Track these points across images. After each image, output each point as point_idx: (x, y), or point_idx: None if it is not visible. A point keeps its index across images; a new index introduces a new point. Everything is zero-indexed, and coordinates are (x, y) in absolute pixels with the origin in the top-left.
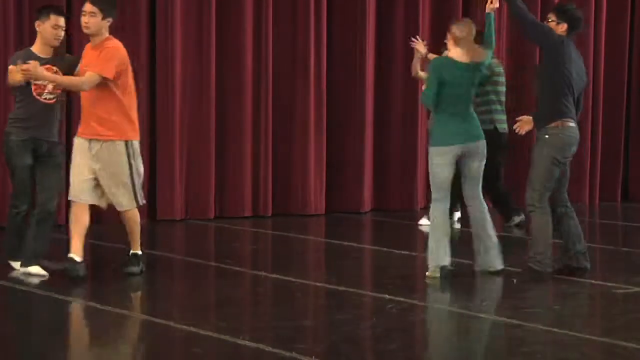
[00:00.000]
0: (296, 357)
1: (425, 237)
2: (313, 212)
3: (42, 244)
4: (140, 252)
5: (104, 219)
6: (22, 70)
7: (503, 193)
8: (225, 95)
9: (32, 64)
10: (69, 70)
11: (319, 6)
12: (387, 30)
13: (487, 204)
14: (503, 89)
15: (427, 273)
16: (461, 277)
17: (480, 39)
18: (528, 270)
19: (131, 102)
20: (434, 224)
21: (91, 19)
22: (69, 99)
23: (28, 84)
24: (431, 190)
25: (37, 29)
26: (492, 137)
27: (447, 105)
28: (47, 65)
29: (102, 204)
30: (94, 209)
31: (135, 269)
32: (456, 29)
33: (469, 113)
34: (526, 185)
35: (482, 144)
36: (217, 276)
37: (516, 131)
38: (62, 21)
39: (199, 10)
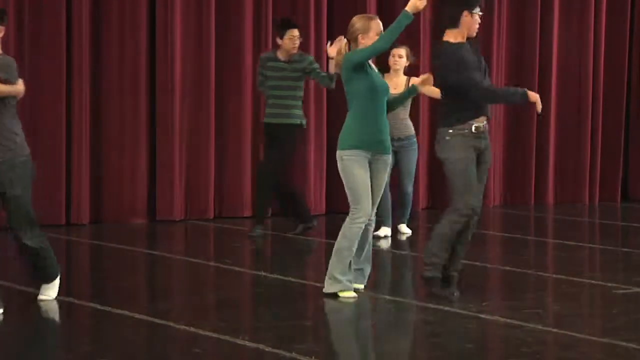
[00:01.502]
0: (296, 357)
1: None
2: (313, 213)
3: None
4: None
5: (103, 219)
6: None
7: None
8: (225, 95)
9: None
10: None
11: (319, 6)
12: None
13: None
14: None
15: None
16: (461, 277)
17: None
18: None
19: None
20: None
21: None
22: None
23: None
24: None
25: None
26: (300, 132)
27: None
28: None
29: None
30: (93, 208)
31: None
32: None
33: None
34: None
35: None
36: (217, 276)
37: None
38: None
39: (199, 10)
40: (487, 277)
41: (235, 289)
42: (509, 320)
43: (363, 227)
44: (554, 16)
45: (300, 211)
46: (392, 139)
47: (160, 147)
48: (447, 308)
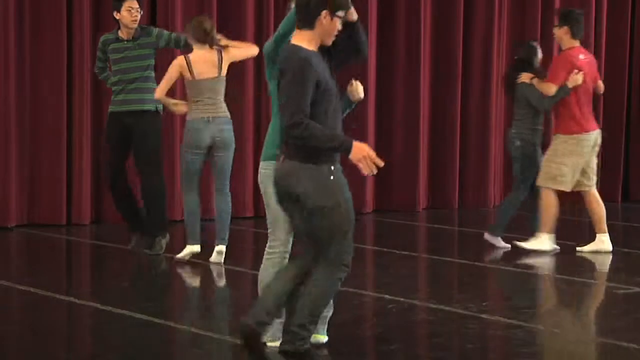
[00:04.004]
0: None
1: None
2: None
3: None
4: None
5: (104, 219)
6: None
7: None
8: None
9: None
10: None
11: None
12: (388, 31)
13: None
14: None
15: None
16: (461, 277)
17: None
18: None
19: None
20: None
21: None
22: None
23: None
24: None
25: None
26: (157, 119)
27: None
28: None
29: None
30: (94, 208)
31: None
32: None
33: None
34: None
35: None
36: (217, 276)
37: None
38: None
39: (200, 10)
40: (487, 277)
41: (235, 289)
42: (509, 321)
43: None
44: (554, 17)
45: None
46: None
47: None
48: (447, 308)
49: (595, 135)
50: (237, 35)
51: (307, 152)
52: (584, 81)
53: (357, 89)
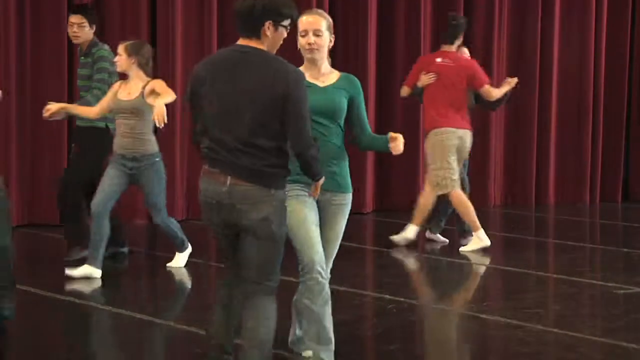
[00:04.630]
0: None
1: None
2: None
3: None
4: None
5: None
6: None
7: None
8: None
9: None
10: None
11: (320, 5)
12: (388, 32)
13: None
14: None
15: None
16: (461, 277)
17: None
18: None
19: None
20: None
21: None
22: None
23: None
24: None
25: None
26: (104, 136)
27: None
28: None
29: None
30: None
31: None
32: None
33: None
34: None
35: None
36: (217, 276)
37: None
38: None
39: (200, 10)
40: (487, 277)
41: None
42: (509, 320)
43: (312, 284)
44: (554, 16)
45: (82, 232)
46: (126, 158)
47: (160, 147)
48: (448, 308)
49: (459, 134)
50: (237, 35)
51: (269, 176)
52: (439, 82)
53: (399, 147)
